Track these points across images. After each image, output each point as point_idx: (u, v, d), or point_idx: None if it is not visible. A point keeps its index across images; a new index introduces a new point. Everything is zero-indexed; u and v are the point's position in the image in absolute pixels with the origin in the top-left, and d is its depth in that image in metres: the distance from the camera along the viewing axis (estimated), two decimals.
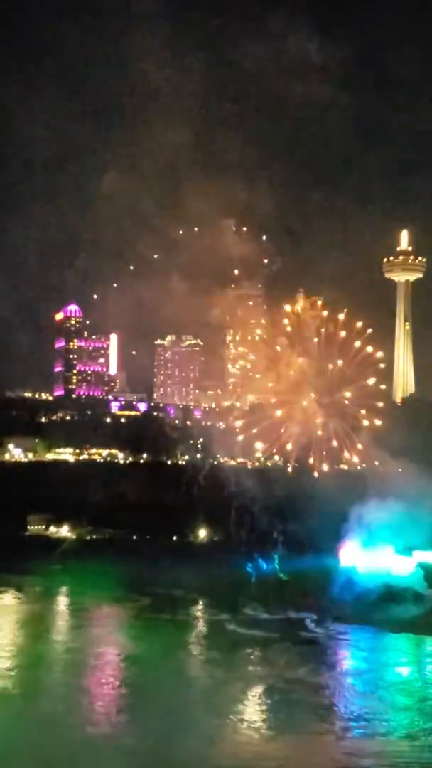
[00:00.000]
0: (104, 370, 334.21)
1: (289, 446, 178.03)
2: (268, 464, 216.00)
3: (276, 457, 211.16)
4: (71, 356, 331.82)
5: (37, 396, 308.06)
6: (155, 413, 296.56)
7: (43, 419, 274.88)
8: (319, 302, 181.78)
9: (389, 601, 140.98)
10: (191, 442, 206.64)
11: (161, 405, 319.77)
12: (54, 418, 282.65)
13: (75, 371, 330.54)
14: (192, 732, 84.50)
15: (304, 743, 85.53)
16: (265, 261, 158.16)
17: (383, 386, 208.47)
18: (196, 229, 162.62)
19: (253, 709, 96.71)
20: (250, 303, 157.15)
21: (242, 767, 79.52)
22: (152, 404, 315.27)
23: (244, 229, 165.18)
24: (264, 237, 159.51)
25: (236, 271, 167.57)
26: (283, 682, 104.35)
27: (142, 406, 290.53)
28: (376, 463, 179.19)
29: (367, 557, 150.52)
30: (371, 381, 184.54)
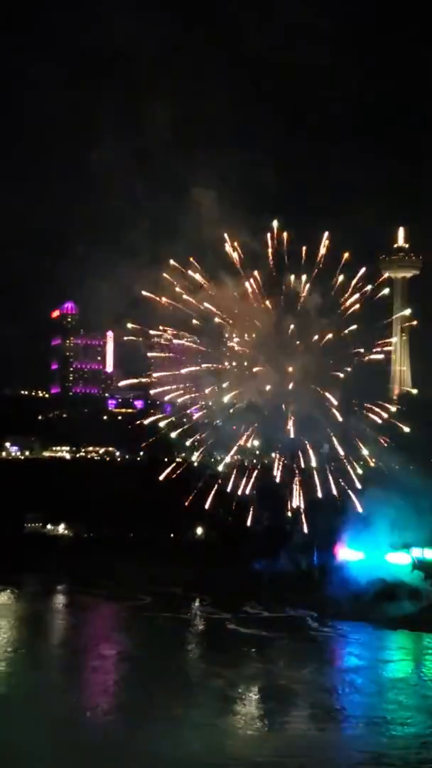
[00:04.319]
0: (101, 367, 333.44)
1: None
2: (265, 461, 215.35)
3: (273, 455, 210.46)
4: (67, 354, 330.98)
5: (33, 394, 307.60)
6: (152, 411, 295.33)
7: (39, 417, 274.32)
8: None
9: (387, 598, 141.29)
10: (189, 439, 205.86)
11: (158, 402, 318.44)
12: (51, 415, 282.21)
13: (71, 369, 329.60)
14: (194, 731, 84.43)
15: (307, 741, 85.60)
16: (268, 255, 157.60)
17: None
18: (196, 221, 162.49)
19: (255, 707, 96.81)
20: (249, 298, 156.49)
21: (245, 765, 79.45)
22: (149, 401, 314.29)
23: (244, 225, 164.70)
24: (264, 237, 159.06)
25: (237, 267, 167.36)
26: (285, 680, 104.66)
27: (139, 404, 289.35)
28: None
29: (365, 554, 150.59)
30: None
